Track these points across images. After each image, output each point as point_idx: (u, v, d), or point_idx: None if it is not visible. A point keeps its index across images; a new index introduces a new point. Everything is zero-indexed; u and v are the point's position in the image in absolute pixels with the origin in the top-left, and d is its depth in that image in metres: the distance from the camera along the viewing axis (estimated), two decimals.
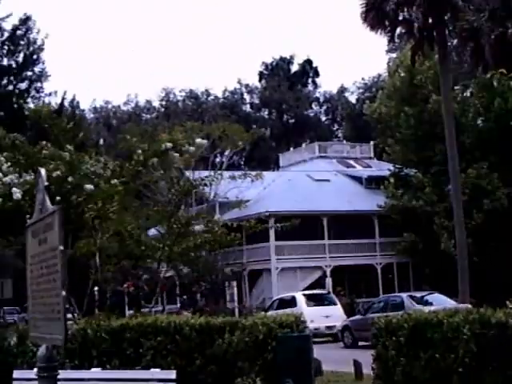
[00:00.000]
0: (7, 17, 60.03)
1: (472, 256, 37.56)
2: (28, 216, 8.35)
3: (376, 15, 38.17)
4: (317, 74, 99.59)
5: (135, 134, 33.63)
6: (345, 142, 73.32)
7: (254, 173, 51.30)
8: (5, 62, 61.33)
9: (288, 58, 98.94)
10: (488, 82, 44.98)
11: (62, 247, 6.91)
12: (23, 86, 61.65)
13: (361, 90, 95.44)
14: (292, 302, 36.84)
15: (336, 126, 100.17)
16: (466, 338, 11.70)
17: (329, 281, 48.05)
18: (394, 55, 57.25)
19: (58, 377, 7.16)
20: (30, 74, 61.65)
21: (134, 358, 14.14)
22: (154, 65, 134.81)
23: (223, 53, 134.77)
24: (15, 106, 60.15)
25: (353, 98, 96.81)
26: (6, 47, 60.88)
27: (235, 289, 49.87)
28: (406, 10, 39.26)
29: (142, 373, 11.85)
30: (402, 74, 51.25)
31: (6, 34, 60.73)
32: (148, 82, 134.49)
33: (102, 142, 47.68)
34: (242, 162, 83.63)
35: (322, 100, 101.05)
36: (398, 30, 40.36)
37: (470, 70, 45.82)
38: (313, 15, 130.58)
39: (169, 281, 38.21)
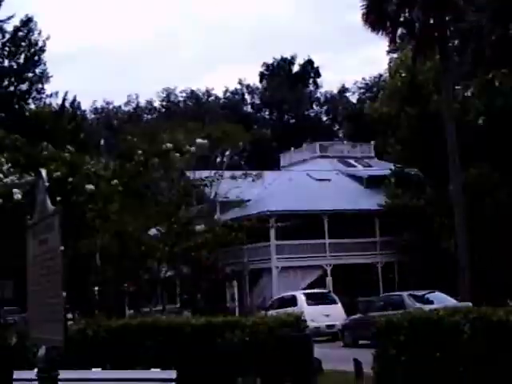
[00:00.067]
0: (9, 18, 60.01)
1: (472, 255, 37.53)
2: (28, 217, 8.36)
3: (377, 16, 38.13)
4: (318, 74, 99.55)
5: (136, 134, 33.73)
6: (345, 141, 73.26)
7: (254, 172, 51.34)
8: (6, 63, 61.31)
9: (289, 58, 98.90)
10: (489, 82, 44.97)
11: (62, 248, 6.93)
12: (24, 87, 61.58)
13: (362, 90, 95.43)
14: (292, 301, 36.86)
15: (337, 126, 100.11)
16: (466, 337, 11.71)
17: (329, 280, 48.05)
18: (395, 55, 57.16)
19: (58, 377, 7.17)
20: (31, 75, 61.57)
21: (134, 358, 14.16)
22: (155, 65, 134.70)
23: (224, 53, 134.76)
24: (16, 107, 60.13)
25: (354, 98, 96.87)
26: (7, 48, 60.83)
27: (236, 288, 49.88)
28: (406, 10, 39.21)
29: (142, 373, 11.85)
30: (403, 75, 51.22)
31: (8, 36, 60.70)
32: (149, 83, 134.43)
33: (102, 142, 47.67)
34: (243, 162, 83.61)
35: (322, 100, 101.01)
36: (399, 31, 40.36)
37: (471, 70, 45.77)
38: (314, 15, 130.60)
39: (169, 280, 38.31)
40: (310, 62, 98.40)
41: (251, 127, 76.76)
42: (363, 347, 25.95)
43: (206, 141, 38.88)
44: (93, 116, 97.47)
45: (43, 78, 62.25)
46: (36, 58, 61.73)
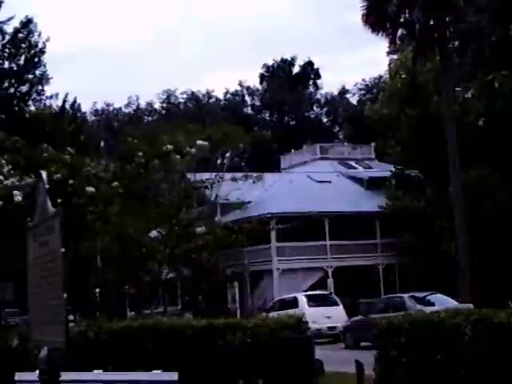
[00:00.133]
0: (9, 20, 60.02)
1: (473, 256, 37.51)
2: (29, 219, 8.36)
3: (377, 17, 38.11)
4: (318, 75, 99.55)
5: (136, 136, 33.72)
6: (346, 143, 73.25)
7: (255, 174, 51.35)
8: (6, 64, 61.30)
9: (289, 59, 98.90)
10: (489, 83, 44.96)
11: (62, 250, 6.92)
12: (24, 88, 61.55)
13: (362, 92, 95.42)
14: (294, 302, 36.85)
15: (337, 128, 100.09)
16: (467, 339, 11.70)
17: (330, 282, 48.04)
18: (395, 57, 57.16)
19: (60, 379, 7.17)
20: (31, 76, 61.56)
21: (135, 359, 14.14)
22: (155, 66, 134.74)
23: (224, 55, 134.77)
24: (16, 108, 60.12)
25: (354, 100, 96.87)
26: (7, 50, 60.83)
27: (237, 290, 49.87)
28: (407, 11, 39.20)
29: (144, 375, 11.86)
30: (403, 76, 51.21)
31: (8, 37, 60.70)
32: (149, 84, 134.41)
33: (102, 144, 47.67)
34: (243, 164, 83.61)
35: (323, 102, 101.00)
36: (400, 32, 40.31)
37: (471, 72, 45.77)
38: (313, 16, 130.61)
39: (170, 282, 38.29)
40: (310, 64, 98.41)
41: (251, 129, 76.75)
42: (365, 349, 25.94)
43: (206, 143, 38.87)
44: (93, 118, 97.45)
45: (43, 79, 62.23)
46: (36, 59, 61.71)
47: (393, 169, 52.08)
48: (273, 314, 26.36)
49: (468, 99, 49.14)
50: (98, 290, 23.63)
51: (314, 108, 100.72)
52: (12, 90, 61.23)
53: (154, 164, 27.76)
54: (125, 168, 25.76)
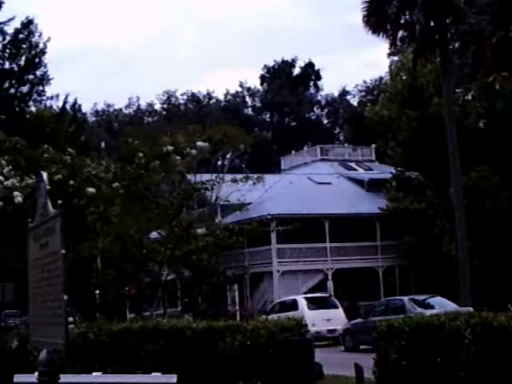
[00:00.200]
0: (9, 20, 60.07)
1: (474, 259, 37.51)
2: (29, 220, 8.34)
3: (378, 18, 38.12)
4: (318, 77, 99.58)
5: (137, 137, 33.67)
6: (346, 144, 73.25)
7: (255, 176, 51.29)
8: (6, 65, 61.35)
9: (290, 61, 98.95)
10: (489, 85, 44.98)
11: (63, 251, 6.91)
12: (25, 89, 61.60)
13: (362, 93, 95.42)
14: (293, 305, 36.84)
15: (337, 129, 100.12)
16: (467, 342, 11.68)
17: (330, 284, 48.01)
18: (396, 58, 57.19)
19: (59, 381, 7.15)
20: (31, 77, 61.63)
21: (135, 362, 14.13)
22: (156, 66, 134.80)
23: (225, 56, 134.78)
24: (17, 109, 60.14)
25: (354, 101, 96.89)
26: (7, 50, 60.88)
27: (237, 292, 49.83)
28: (407, 13, 39.22)
29: (143, 377, 11.85)
30: (404, 77, 51.24)
31: (8, 38, 60.75)
32: (149, 84, 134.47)
33: (103, 145, 47.64)
34: (244, 165, 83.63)
35: (323, 103, 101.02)
36: (400, 33, 40.28)
37: (472, 73, 45.77)
38: (314, 18, 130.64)
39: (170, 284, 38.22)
40: (310, 65, 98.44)
41: (252, 130, 76.72)
42: (364, 352, 25.93)
43: (206, 144, 38.77)
44: (93, 119, 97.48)
45: (44, 80, 62.28)
46: (37, 60, 61.74)
47: (393, 170, 52.07)
48: (272, 317, 26.41)
49: (468, 101, 49.19)
50: (97, 291, 23.59)
51: (315, 109, 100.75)
52: (13, 91, 61.26)
53: (154, 165, 27.73)
54: (125, 169, 25.72)
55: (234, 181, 48.33)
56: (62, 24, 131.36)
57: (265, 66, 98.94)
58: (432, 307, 28.90)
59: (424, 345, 12.28)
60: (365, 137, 67.38)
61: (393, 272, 50.11)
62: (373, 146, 63.48)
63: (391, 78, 56.93)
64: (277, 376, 14.10)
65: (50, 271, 7.28)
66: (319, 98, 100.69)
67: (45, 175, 7.90)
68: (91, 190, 20.53)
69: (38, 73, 62.00)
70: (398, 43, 43.57)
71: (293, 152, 66.83)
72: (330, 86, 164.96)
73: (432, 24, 38.92)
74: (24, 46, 61.32)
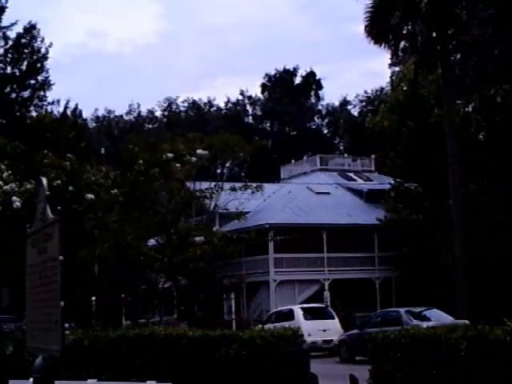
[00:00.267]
0: (12, 25, 60.19)
1: (471, 272, 37.46)
2: (28, 225, 8.33)
3: (380, 29, 38.17)
4: (319, 86, 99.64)
5: (137, 143, 33.70)
6: (346, 155, 73.25)
7: (254, 184, 51.29)
8: (8, 69, 61.40)
9: (291, 69, 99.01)
10: (490, 96, 45.01)
11: (61, 257, 6.91)
12: (26, 94, 61.65)
13: (363, 103, 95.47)
14: (290, 315, 36.78)
15: (338, 139, 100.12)
16: (463, 355, 11.67)
17: (327, 294, 47.92)
18: (397, 69, 57.23)
19: None
20: (33, 82, 61.68)
21: (130, 369, 14.10)
22: (157, 74, 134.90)
23: (226, 64, 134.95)
24: (17, 114, 60.16)
25: (355, 111, 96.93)
26: (9, 55, 60.95)
27: (233, 301, 49.76)
28: (409, 23, 39.30)
29: None
30: (405, 88, 51.24)
31: (11, 42, 60.83)
32: (151, 92, 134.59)
33: (103, 151, 47.66)
34: (243, 174, 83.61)
35: (324, 113, 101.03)
36: (402, 44, 40.34)
37: (473, 85, 45.79)
38: (316, 27, 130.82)
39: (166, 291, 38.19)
40: (312, 74, 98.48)
41: (252, 138, 76.72)
42: (360, 363, 25.87)
43: (206, 151, 38.87)
44: (94, 125, 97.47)
45: (45, 85, 62.32)
46: (38, 65, 61.80)
47: (392, 181, 52.02)
48: (269, 326, 26.36)
49: (469, 112, 49.18)
50: (94, 297, 23.56)
51: (315, 119, 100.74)
52: (14, 95, 61.30)
53: (154, 172, 27.76)
54: (125, 175, 25.76)
55: (233, 189, 48.37)
56: (64, 29, 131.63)
57: (266, 74, 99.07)
58: (428, 319, 28.88)
59: (420, 357, 12.25)
60: (365, 147, 67.38)
61: (390, 283, 49.98)
62: (372, 156, 63.45)
63: (392, 88, 56.94)
64: None
65: (47, 277, 7.28)
66: (320, 107, 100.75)
67: (44, 181, 7.90)
68: (90, 196, 20.57)
69: (40, 78, 62.09)
70: (400, 54, 43.66)
71: (292, 161, 66.82)
72: (330, 95, 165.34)
73: (434, 35, 39.00)
74: (26, 50, 61.40)
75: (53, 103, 63.12)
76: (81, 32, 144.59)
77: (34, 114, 61.38)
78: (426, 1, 38.50)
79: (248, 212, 50.77)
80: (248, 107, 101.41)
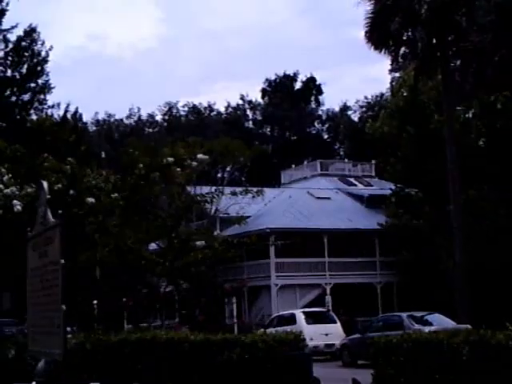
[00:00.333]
0: (12, 28, 60.14)
1: (471, 276, 37.45)
2: (29, 229, 8.30)
3: (380, 34, 38.22)
4: (320, 91, 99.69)
5: (137, 147, 33.69)
6: (346, 160, 73.26)
7: (255, 189, 51.31)
8: (8, 72, 61.34)
9: (291, 75, 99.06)
10: (490, 102, 45.02)
11: (62, 261, 6.89)
12: (26, 97, 61.55)
13: (363, 109, 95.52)
14: (291, 319, 36.75)
15: (338, 144, 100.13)
16: (465, 359, 11.65)
17: (328, 299, 47.91)
18: (397, 74, 57.27)
19: None
20: (33, 85, 61.61)
21: (132, 373, 14.07)
22: (157, 78, 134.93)
23: (227, 68, 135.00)
24: (18, 117, 60.11)
25: (355, 117, 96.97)
26: (10, 58, 60.90)
27: (235, 305, 49.74)
28: (409, 30, 39.34)
29: None
30: (405, 94, 51.26)
31: (11, 45, 60.78)
32: (151, 96, 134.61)
33: (103, 155, 47.66)
34: (244, 178, 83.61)
35: (324, 118, 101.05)
36: (402, 50, 40.40)
37: (473, 91, 45.80)
38: (317, 32, 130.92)
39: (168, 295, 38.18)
40: (312, 79, 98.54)
41: (252, 143, 76.74)
42: (362, 367, 25.84)
43: (207, 156, 38.87)
44: (94, 128, 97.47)
45: (45, 88, 62.25)
46: (39, 68, 61.75)
47: (393, 187, 52.03)
48: (271, 330, 26.34)
49: (469, 119, 49.18)
50: (95, 301, 23.53)
51: (315, 124, 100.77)
52: (14, 99, 61.24)
53: (154, 176, 27.77)
54: (125, 179, 25.74)
55: (234, 194, 48.39)
56: (64, 32, 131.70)
57: (266, 79, 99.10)
58: (430, 324, 28.87)
59: (422, 361, 12.23)
60: (365, 152, 67.38)
61: (391, 288, 49.98)
62: (373, 161, 63.47)
63: (392, 94, 56.96)
64: None
65: (48, 281, 7.26)
66: (320, 112, 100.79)
67: (45, 184, 7.88)
68: (91, 200, 20.54)
69: (40, 81, 61.99)
70: (400, 60, 43.72)
71: (293, 166, 66.82)
72: (331, 100, 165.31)
73: (434, 41, 39.04)
74: (26, 54, 61.33)
75: (53, 106, 63.07)
76: (81, 35, 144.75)
77: (34, 117, 61.34)
78: (426, 7, 38.56)
79: (249, 216, 50.78)
80: (248, 112, 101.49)
